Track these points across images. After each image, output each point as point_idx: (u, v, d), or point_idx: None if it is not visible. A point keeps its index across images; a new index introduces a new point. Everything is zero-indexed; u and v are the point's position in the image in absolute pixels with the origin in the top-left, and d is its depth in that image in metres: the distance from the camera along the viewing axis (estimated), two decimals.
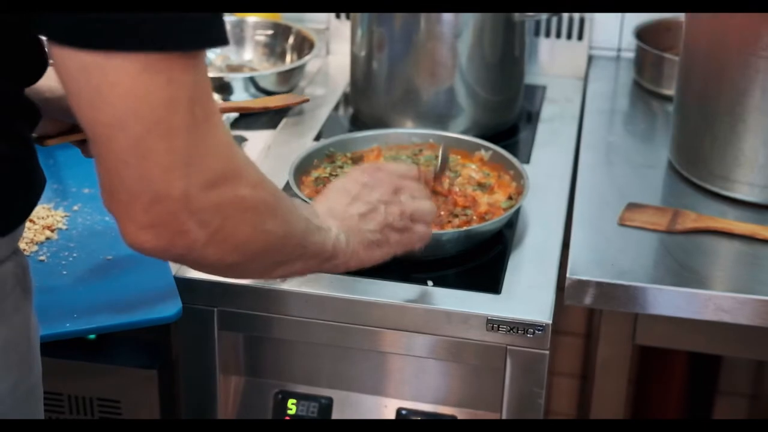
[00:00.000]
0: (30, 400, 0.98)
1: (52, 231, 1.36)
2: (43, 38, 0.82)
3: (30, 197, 0.95)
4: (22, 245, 1.31)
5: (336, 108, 1.77)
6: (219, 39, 0.82)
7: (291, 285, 1.28)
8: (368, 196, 1.13)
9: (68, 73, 0.79)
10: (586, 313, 1.99)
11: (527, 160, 1.60)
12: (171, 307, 1.22)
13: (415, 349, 1.28)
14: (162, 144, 0.79)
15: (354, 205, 1.11)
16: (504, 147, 1.50)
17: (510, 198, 1.41)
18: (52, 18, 0.77)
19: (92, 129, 0.80)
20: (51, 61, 0.82)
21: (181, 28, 0.78)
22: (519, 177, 1.42)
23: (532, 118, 1.76)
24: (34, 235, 1.34)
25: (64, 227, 1.37)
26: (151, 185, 0.80)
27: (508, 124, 1.71)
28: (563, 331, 2.04)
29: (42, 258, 1.30)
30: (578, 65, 1.90)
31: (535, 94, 1.84)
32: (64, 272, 1.28)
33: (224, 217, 0.85)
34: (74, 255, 1.31)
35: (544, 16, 1.64)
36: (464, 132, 1.60)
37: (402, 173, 1.18)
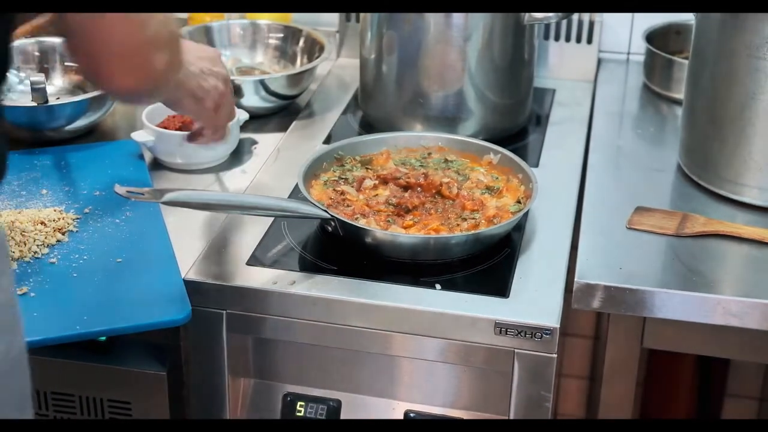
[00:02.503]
0: (22, 364, 1.00)
1: (63, 234, 1.37)
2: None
3: None
4: (33, 248, 1.32)
5: (345, 111, 1.78)
6: None
7: (300, 288, 1.29)
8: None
9: None
10: (595, 315, 1.99)
11: (536, 164, 1.60)
12: (180, 310, 1.23)
13: (423, 352, 1.28)
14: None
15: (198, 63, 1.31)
16: (513, 150, 1.50)
17: (518, 201, 1.41)
18: None
19: None
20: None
21: None
22: (528, 181, 1.42)
23: (541, 121, 1.76)
24: (45, 238, 1.34)
25: (75, 230, 1.38)
26: (134, 34, 1.01)
27: (518, 127, 1.71)
28: (572, 333, 2.05)
29: (53, 260, 1.31)
30: (588, 68, 1.90)
31: (545, 97, 1.84)
32: (75, 274, 1.29)
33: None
34: (85, 257, 1.32)
35: (553, 18, 1.64)
36: (473, 135, 1.60)
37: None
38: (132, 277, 1.29)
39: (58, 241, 1.35)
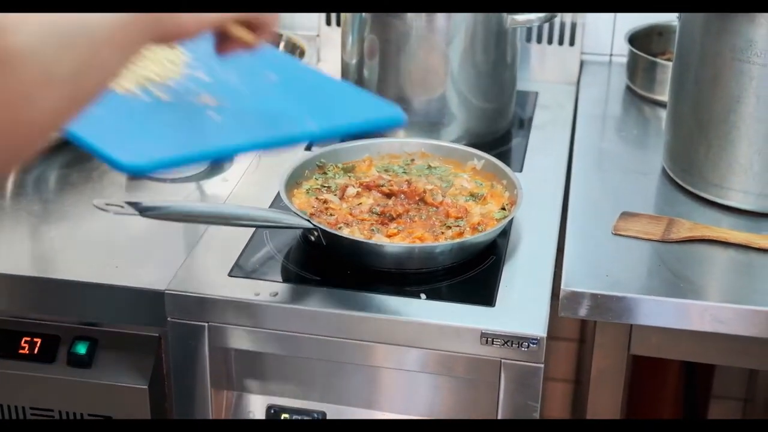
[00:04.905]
0: None
1: None
2: None
3: None
4: None
5: None
6: None
7: (283, 300, 1.27)
8: None
9: None
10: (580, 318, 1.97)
11: (520, 169, 1.58)
12: None
13: (409, 363, 1.26)
14: None
15: None
16: (497, 155, 1.49)
17: (503, 208, 1.39)
18: None
19: None
20: None
21: None
22: (512, 187, 1.41)
23: (524, 124, 1.75)
24: None
25: None
26: None
27: (501, 131, 1.69)
28: (556, 337, 2.03)
29: None
30: (570, 71, 1.89)
31: (527, 100, 1.82)
32: None
33: None
34: None
35: (536, 22, 1.62)
36: (456, 140, 1.59)
37: None
38: None
39: None
